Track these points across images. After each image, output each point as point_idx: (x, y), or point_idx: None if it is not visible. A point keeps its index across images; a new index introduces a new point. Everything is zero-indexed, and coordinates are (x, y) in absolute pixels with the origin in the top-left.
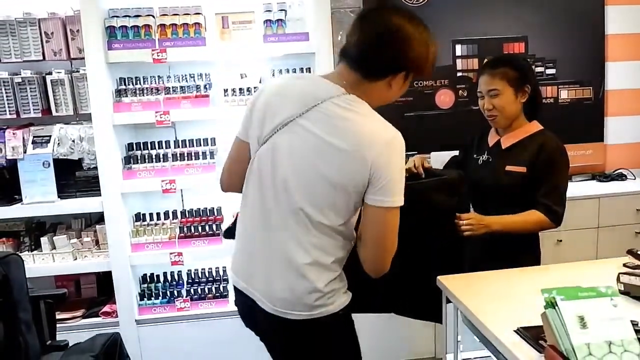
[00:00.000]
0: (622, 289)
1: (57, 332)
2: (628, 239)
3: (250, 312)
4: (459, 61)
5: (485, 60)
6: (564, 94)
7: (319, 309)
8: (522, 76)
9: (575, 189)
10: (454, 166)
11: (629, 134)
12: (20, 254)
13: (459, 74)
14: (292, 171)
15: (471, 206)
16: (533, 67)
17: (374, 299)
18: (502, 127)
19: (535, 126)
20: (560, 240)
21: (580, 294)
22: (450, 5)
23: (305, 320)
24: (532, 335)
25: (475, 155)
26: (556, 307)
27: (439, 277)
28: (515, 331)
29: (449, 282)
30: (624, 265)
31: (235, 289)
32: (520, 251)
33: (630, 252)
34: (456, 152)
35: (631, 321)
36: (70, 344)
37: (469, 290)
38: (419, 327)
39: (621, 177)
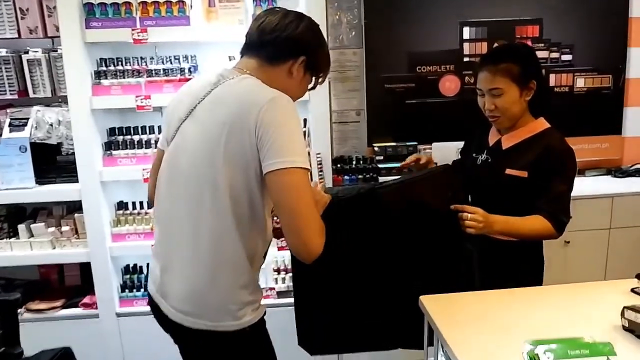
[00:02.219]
0: (626, 325)
1: (31, 323)
2: None
3: None
4: (466, 45)
5: (484, 54)
6: (580, 82)
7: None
8: (527, 71)
9: (588, 185)
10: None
11: None
12: None
13: (466, 59)
14: (191, 163)
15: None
16: (547, 52)
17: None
18: (506, 127)
19: (541, 124)
20: (568, 242)
21: (571, 352)
22: None
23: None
24: None
25: (474, 154)
26: None
27: (421, 297)
28: None
29: (430, 304)
30: (632, 290)
31: None
32: (523, 260)
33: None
34: (460, 143)
35: None
36: (45, 340)
37: (450, 315)
38: None
39: (639, 172)
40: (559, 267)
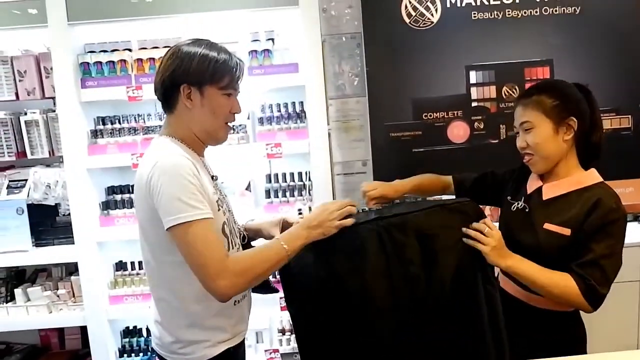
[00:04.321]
0: None
1: None
2: None
3: None
4: (473, 89)
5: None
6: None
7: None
8: (564, 106)
9: None
10: (478, 184)
11: None
12: None
13: (474, 103)
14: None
15: None
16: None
17: None
18: (542, 171)
19: (591, 177)
20: None
21: None
22: (462, 28)
23: None
24: None
25: (509, 198)
26: None
27: None
28: None
29: None
30: None
31: None
32: (556, 329)
33: None
34: None
35: None
36: None
37: None
38: None
39: None
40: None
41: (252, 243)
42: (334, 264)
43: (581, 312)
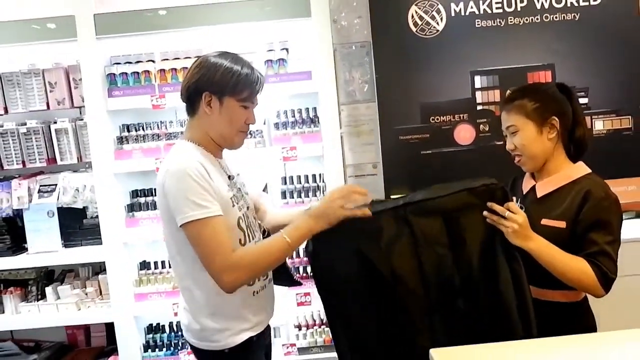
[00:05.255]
0: None
1: None
2: None
3: None
4: (478, 94)
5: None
6: (599, 125)
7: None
8: (544, 107)
9: None
10: None
11: None
12: None
13: (480, 107)
14: None
15: None
16: None
17: None
18: (532, 169)
19: (579, 170)
20: None
21: None
22: (466, 34)
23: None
24: None
25: None
26: None
27: (431, 351)
28: None
29: (441, 357)
30: None
31: None
32: (568, 320)
33: None
34: None
35: None
36: None
37: None
38: None
39: None
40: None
41: None
42: (363, 250)
43: (591, 303)
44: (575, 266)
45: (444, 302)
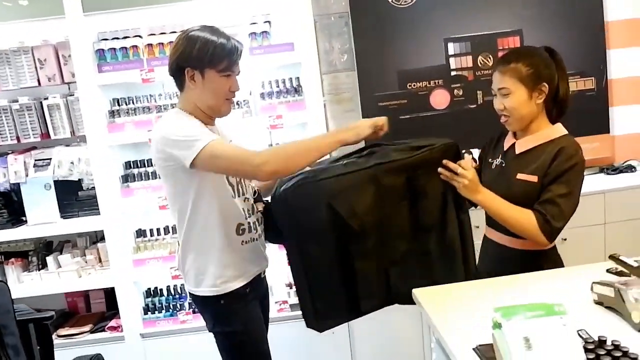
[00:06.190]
0: (596, 298)
1: (62, 349)
2: (639, 234)
3: None
4: (452, 60)
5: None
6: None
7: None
8: (537, 73)
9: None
10: None
11: (637, 124)
12: (4, 280)
13: (453, 72)
14: None
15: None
16: None
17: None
18: (517, 130)
19: (557, 131)
20: (565, 239)
21: (528, 312)
22: (439, 4)
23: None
24: (488, 354)
25: (490, 159)
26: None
27: (414, 290)
28: (474, 349)
29: (423, 296)
30: (607, 271)
31: None
32: (537, 267)
33: (613, 257)
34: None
35: (599, 337)
36: None
37: (442, 304)
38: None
39: (631, 168)
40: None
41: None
42: (333, 204)
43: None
44: (519, 216)
45: (402, 251)
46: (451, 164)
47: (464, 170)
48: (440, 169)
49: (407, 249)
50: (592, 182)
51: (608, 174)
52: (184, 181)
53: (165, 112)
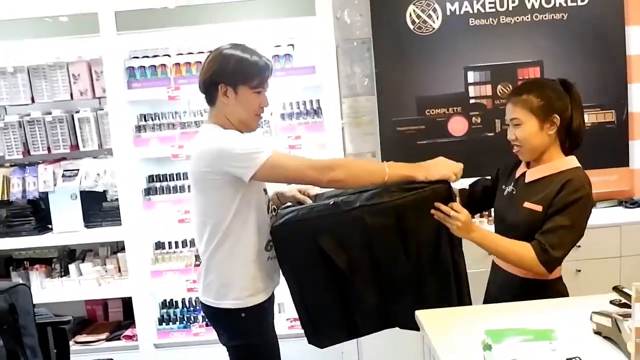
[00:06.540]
0: (595, 328)
1: (79, 355)
2: None
3: None
4: (471, 88)
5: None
6: (585, 119)
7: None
8: (548, 105)
9: (598, 216)
10: (478, 188)
11: None
12: (28, 285)
13: (472, 100)
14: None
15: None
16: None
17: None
18: (529, 159)
19: (568, 162)
20: (579, 271)
21: (519, 336)
22: (461, 32)
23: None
24: None
25: (503, 186)
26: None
27: (417, 312)
28: None
29: (425, 318)
30: (611, 302)
31: None
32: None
33: (616, 289)
34: (471, 179)
35: None
36: None
37: (442, 326)
38: None
39: None
40: (572, 295)
41: None
42: (321, 244)
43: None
44: (517, 249)
45: (394, 289)
46: (443, 207)
47: (457, 213)
48: (433, 211)
49: (400, 287)
50: (609, 215)
51: (627, 207)
52: (227, 194)
53: (200, 128)
